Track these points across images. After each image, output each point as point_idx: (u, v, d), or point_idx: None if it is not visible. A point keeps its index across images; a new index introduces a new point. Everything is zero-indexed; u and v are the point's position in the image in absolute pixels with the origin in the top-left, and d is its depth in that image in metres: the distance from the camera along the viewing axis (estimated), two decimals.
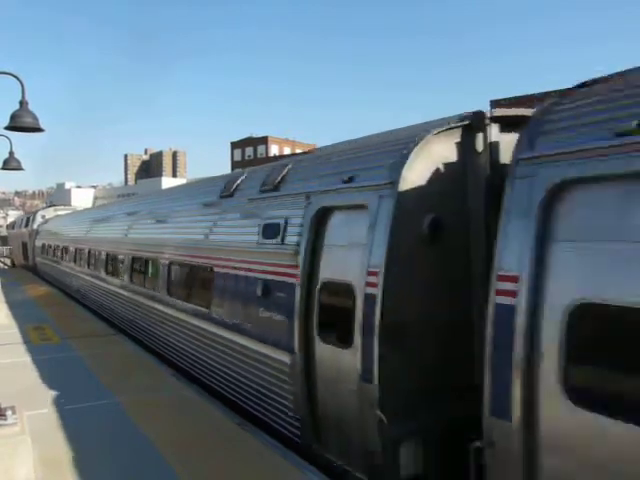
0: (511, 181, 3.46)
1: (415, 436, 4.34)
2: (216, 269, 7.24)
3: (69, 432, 5.60)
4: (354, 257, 4.69)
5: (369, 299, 4.38)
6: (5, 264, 38.04)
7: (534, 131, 3.52)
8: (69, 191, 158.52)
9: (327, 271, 5.14)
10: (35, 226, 28.12)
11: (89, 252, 15.53)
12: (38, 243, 26.44)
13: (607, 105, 3.22)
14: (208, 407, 6.38)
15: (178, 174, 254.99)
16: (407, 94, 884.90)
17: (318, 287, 5.19)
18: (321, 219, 5.31)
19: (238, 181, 7.65)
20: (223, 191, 7.85)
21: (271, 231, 6.04)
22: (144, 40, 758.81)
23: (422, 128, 4.82)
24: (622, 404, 2.84)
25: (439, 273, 4.51)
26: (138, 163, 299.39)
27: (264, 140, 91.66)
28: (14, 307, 14.56)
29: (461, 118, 4.70)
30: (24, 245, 31.04)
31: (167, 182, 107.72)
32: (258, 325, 6.12)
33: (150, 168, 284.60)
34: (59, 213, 27.78)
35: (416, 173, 4.47)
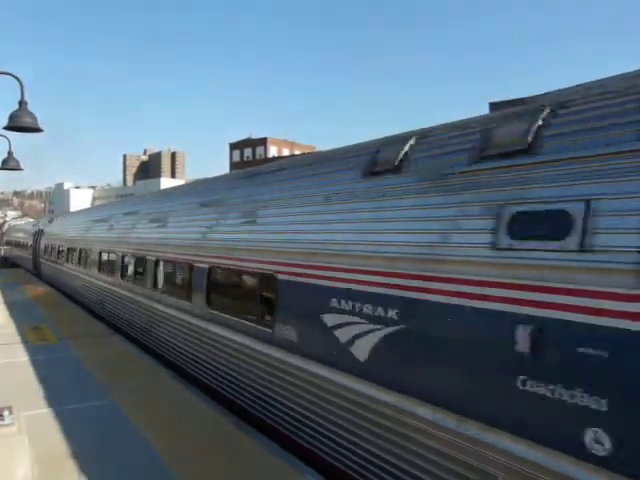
0: None
1: None
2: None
3: (67, 432, 5.60)
4: None
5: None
6: None
7: None
8: (68, 192, 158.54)
9: None
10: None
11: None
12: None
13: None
14: (205, 407, 6.38)
15: (177, 175, 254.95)
16: (408, 90, 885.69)
17: None
18: None
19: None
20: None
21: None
22: (148, 42, 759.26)
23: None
24: None
25: None
26: (137, 164, 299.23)
27: (263, 141, 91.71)
28: (12, 307, 14.55)
29: None
30: None
31: (166, 183, 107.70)
32: None
33: (149, 169, 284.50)
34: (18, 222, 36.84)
35: None
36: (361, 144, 5.64)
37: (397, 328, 4.03)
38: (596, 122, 3.20)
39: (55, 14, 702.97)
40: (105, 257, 13.32)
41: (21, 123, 9.01)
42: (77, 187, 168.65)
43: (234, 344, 6.50)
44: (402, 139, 4.77)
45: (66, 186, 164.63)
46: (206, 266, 7.39)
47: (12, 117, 9.02)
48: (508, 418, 3.21)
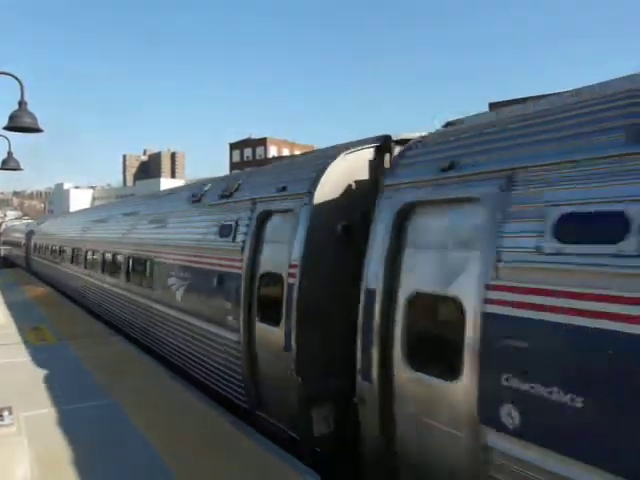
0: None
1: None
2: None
3: (66, 433, 5.60)
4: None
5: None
6: None
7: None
8: (67, 192, 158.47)
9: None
10: None
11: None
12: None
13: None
14: (205, 408, 6.38)
15: (177, 175, 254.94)
16: (410, 88, 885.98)
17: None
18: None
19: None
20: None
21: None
22: (148, 41, 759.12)
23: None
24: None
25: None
26: (137, 164, 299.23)
27: (263, 141, 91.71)
28: (12, 307, 14.55)
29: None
30: None
31: (166, 183, 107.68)
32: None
33: (149, 169, 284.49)
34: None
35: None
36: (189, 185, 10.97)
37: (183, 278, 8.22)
38: None
39: (54, 14, 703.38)
40: (73, 252, 17.39)
41: (21, 123, 9.00)
42: (77, 187, 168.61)
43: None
44: (203, 184, 9.05)
45: (66, 186, 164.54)
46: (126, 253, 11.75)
47: (12, 117, 9.01)
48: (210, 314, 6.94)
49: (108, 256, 13.07)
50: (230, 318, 6.56)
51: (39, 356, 8.93)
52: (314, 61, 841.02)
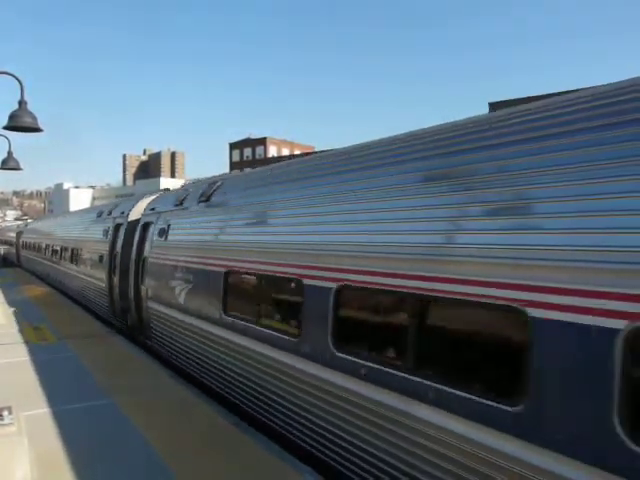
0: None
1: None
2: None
3: (66, 432, 5.59)
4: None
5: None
6: None
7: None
8: (67, 191, 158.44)
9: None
10: None
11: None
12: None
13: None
14: (205, 407, 6.38)
15: (177, 175, 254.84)
16: (413, 88, 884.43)
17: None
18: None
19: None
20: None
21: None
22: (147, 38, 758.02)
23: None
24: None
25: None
26: (136, 164, 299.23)
27: (263, 141, 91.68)
28: (11, 307, 14.55)
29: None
30: None
31: (165, 183, 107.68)
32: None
33: (148, 169, 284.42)
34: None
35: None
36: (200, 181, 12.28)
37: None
38: None
39: (53, 14, 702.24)
40: (46, 247, 24.31)
41: (21, 123, 9.01)
42: (77, 187, 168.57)
43: None
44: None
45: (66, 186, 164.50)
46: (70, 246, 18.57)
47: (12, 117, 9.02)
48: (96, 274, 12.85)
49: (57, 248, 21.30)
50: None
51: (39, 356, 8.93)
52: (314, 61, 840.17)
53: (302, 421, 5.23)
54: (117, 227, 12.55)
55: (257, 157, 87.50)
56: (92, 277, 14.58)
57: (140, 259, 10.38)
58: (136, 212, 11.65)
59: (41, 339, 10.39)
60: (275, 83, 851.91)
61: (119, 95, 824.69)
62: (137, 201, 12.32)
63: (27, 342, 10.06)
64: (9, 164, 13.12)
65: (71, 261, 18.04)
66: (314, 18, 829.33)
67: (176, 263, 8.62)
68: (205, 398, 6.76)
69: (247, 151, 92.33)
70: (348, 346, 4.68)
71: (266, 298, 6.41)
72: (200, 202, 8.47)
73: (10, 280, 22.92)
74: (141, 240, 10.54)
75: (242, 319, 6.56)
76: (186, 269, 8.22)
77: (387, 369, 4.17)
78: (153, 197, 11.97)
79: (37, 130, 9.35)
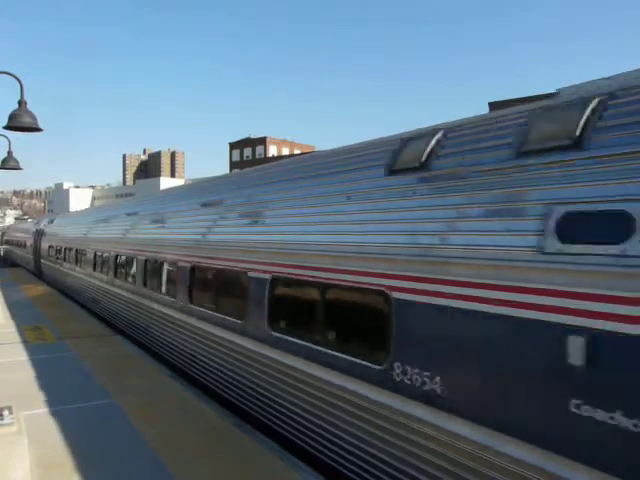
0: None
1: None
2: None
3: (66, 432, 5.60)
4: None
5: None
6: None
7: None
8: (67, 191, 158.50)
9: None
10: None
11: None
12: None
13: None
14: (205, 407, 6.38)
15: (176, 174, 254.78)
16: (414, 87, 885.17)
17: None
18: None
19: None
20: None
21: None
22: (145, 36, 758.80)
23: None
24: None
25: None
26: (136, 163, 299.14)
27: (262, 141, 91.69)
28: (11, 307, 14.55)
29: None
30: None
31: (165, 183, 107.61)
32: None
33: (148, 168, 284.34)
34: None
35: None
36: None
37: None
38: None
39: (54, 11, 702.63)
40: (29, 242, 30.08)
41: (21, 123, 9.00)
42: (77, 187, 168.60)
43: None
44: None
45: (66, 186, 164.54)
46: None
47: (12, 117, 9.01)
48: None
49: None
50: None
51: (39, 356, 8.93)
52: (314, 60, 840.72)
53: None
54: (37, 231, 26.87)
55: (257, 157, 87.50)
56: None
57: (38, 245, 26.00)
58: (41, 224, 26.99)
59: (41, 339, 10.39)
60: (275, 83, 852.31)
61: (119, 94, 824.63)
62: (44, 219, 28.76)
63: (27, 342, 10.06)
64: (9, 164, 13.11)
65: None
66: (314, 18, 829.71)
67: (51, 245, 22.26)
68: (205, 398, 6.76)
69: (247, 151, 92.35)
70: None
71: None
72: (49, 223, 25.17)
73: (10, 279, 22.93)
74: (39, 237, 25.88)
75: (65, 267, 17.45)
76: (59, 248, 20.48)
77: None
78: (46, 219, 28.00)
79: (37, 130, 9.35)
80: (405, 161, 4.47)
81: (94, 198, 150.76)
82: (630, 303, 2.61)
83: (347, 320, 4.83)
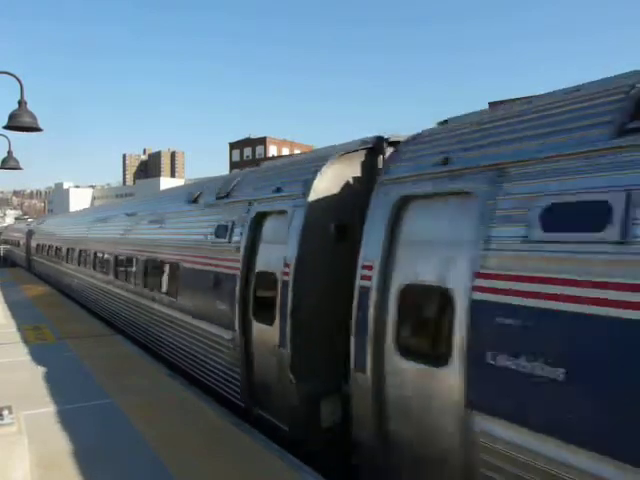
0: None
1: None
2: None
3: (66, 432, 5.60)
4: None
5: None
6: None
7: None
8: (67, 191, 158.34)
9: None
10: None
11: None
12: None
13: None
14: (204, 407, 6.38)
15: (176, 174, 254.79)
16: (413, 87, 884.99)
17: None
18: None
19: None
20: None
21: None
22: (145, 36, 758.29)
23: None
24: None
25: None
26: (136, 163, 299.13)
27: (262, 141, 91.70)
28: (12, 307, 14.55)
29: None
30: None
31: (165, 182, 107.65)
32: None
33: (148, 168, 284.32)
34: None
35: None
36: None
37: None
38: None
39: (54, 10, 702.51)
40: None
41: (21, 123, 9.00)
42: (77, 187, 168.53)
43: None
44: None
45: (66, 185, 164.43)
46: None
47: (12, 117, 9.01)
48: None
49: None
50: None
51: (39, 355, 8.93)
52: (314, 60, 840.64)
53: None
54: (28, 231, 30.53)
55: (257, 157, 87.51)
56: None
57: (30, 244, 29.08)
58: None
59: (41, 339, 10.39)
60: (275, 83, 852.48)
61: (119, 94, 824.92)
62: (34, 222, 33.32)
63: (27, 342, 10.06)
64: (9, 164, 13.11)
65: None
66: (314, 18, 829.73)
67: (39, 243, 26.10)
68: (205, 398, 6.76)
69: (247, 151, 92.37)
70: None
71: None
72: (38, 224, 30.57)
73: (10, 280, 22.92)
74: (30, 236, 29.31)
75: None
76: (45, 246, 24.12)
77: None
78: (35, 221, 33.80)
79: (37, 130, 9.35)
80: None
81: (94, 198, 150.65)
82: None
83: None
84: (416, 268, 4.18)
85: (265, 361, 5.99)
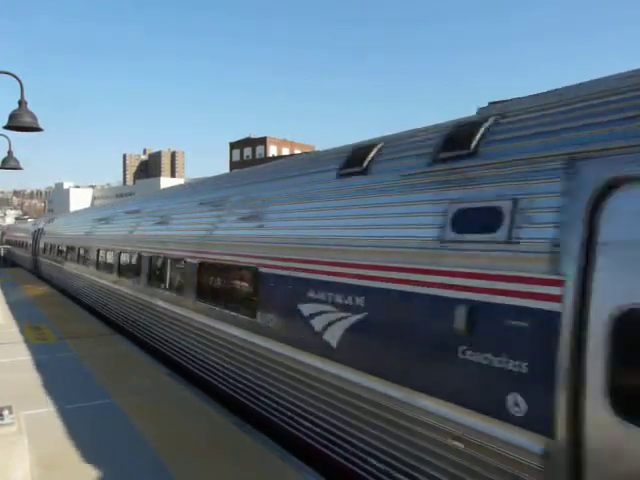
0: None
1: None
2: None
3: (66, 432, 5.59)
4: None
5: None
6: None
7: None
8: (67, 191, 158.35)
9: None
10: None
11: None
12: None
13: None
14: (205, 407, 6.37)
15: (177, 174, 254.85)
16: (414, 87, 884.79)
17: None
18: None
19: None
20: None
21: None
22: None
23: None
24: None
25: None
26: (137, 163, 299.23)
27: (263, 141, 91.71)
28: (12, 307, 14.54)
29: None
30: None
31: (166, 182, 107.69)
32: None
33: (148, 168, 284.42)
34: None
35: None
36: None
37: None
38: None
39: (54, 9, 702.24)
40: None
41: (21, 123, 9.00)
42: (77, 186, 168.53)
43: None
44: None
45: (66, 185, 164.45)
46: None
47: (12, 116, 9.01)
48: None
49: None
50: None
51: (39, 355, 8.92)
52: (314, 60, 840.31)
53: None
54: (36, 231, 28.12)
55: (257, 157, 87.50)
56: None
57: (37, 243, 27.18)
58: (39, 224, 27.82)
59: (41, 339, 10.38)
60: (275, 83, 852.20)
61: (119, 94, 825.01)
62: (41, 220, 30.94)
63: (27, 342, 10.05)
64: (9, 164, 13.11)
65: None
66: (314, 18, 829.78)
67: (47, 242, 24.00)
68: (205, 397, 6.76)
69: (247, 151, 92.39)
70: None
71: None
72: (47, 223, 26.91)
73: (10, 280, 22.91)
74: (38, 236, 27.09)
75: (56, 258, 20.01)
76: (51, 245, 22.94)
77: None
78: (43, 220, 29.82)
79: (37, 130, 9.35)
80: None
81: (94, 198, 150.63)
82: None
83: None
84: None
85: None
